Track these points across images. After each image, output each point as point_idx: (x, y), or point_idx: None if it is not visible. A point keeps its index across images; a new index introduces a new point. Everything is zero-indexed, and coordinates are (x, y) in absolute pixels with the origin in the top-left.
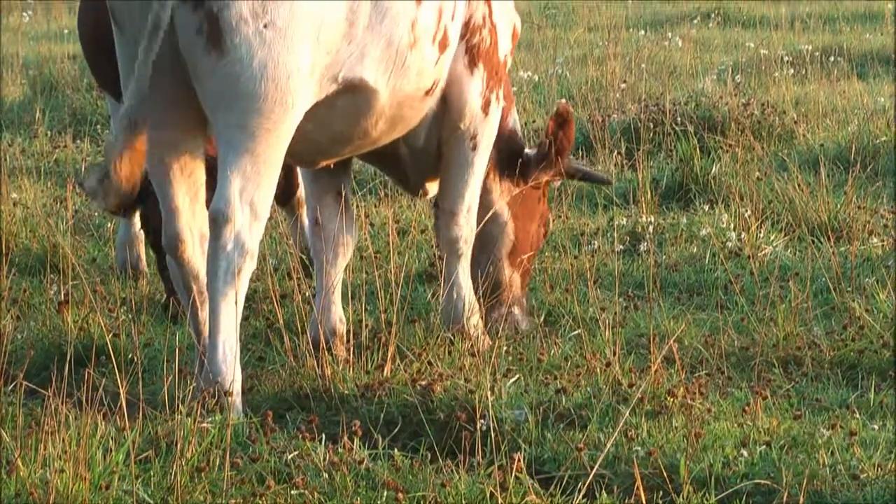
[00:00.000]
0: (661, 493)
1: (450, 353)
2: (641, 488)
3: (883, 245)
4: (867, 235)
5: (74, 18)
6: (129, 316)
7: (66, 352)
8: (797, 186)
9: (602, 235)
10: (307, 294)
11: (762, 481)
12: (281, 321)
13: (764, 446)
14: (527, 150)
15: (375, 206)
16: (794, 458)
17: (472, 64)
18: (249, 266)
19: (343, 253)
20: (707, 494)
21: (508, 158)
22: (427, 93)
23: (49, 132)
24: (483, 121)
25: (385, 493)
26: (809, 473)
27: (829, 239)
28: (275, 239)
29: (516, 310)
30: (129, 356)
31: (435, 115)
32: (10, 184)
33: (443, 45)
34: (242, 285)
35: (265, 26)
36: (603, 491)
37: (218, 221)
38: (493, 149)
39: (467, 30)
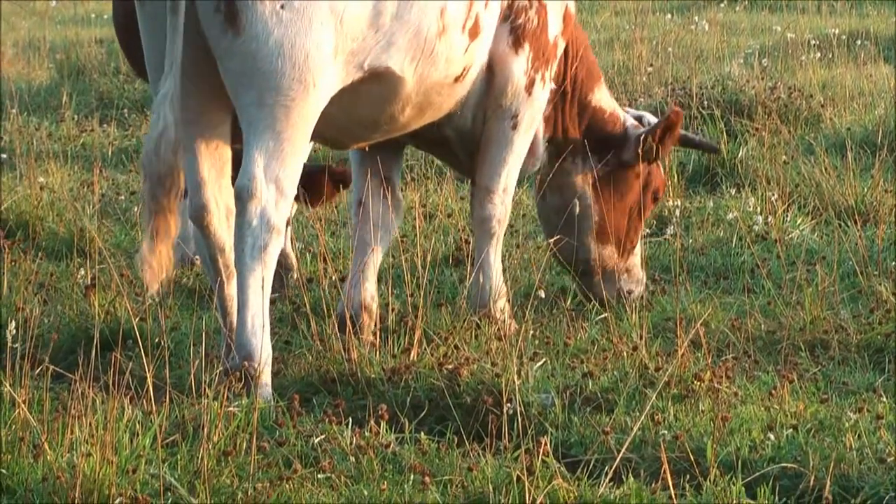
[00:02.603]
0: (687, 476)
1: (476, 336)
2: (668, 472)
3: None
4: (894, 219)
5: (101, 3)
6: (156, 300)
7: (92, 336)
8: (824, 170)
9: None
10: (333, 278)
11: (789, 465)
12: (307, 305)
13: (791, 430)
14: (631, 127)
15: (402, 190)
16: (820, 441)
17: (516, 44)
18: (276, 242)
19: (384, 236)
20: (734, 478)
21: (592, 138)
22: (457, 79)
23: (76, 116)
24: (526, 100)
25: (412, 477)
26: (836, 457)
27: (855, 222)
28: (301, 223)
29: (623, 278)
30: (156, 340)
31: (481, 97)
32: (37, 168)
33: (473, 33)
34: (270, 261)
35: (282, 7)
36: (630, 475)
37: (243, 198)
38: (573, 128)
39: (511, 10)
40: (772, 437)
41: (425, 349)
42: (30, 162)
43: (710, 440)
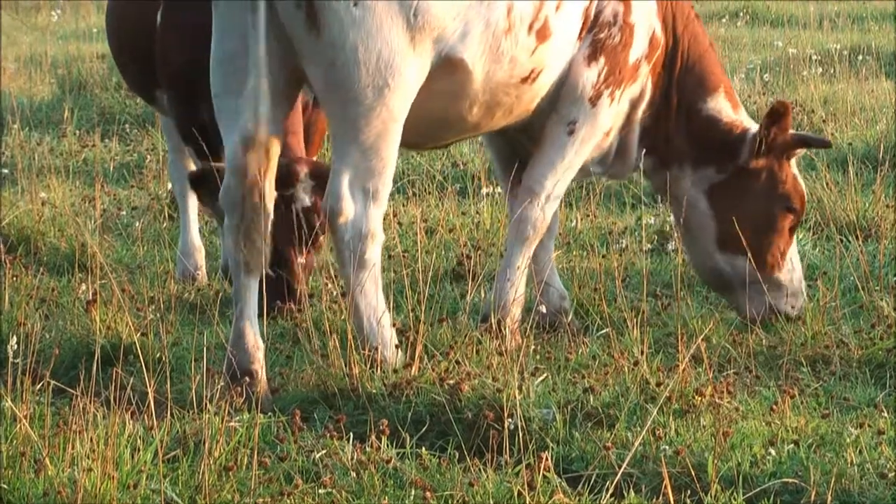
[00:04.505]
0: (688, 492)
1: (478, 351)
2: (669, 487)
3: None
4: None
5: (103, 18)
6: (157, 315)
7: (93, 351)
8: (825, 185)
9: (630, 234)
10: (334, 294)
11: (790, 480)
12: (309, 321)
13: (792, 445)
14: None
15: (403, 205)
16: (822, 456)
17: (591, 57)
18: (373, 246)
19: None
20: (735, 493)
21: (703, 146)
22: (524, 80)
23: (77, 131)
24: (588, 111)
25: (413, 493)
26: (837, 472)
27: (857, 238)
28: None
29: (773, 294)
30: (157, 355)
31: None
32: (39, 183)
33: (542, 36)
34: (372, 264)
35: (355, 4)
36: (631, 490)
37: (332, 218)
38: (679, 137)
39: (596, 23)
40: (773, 452)
41: (426, 364)
42: (31, 177)
43: (712, 455)
